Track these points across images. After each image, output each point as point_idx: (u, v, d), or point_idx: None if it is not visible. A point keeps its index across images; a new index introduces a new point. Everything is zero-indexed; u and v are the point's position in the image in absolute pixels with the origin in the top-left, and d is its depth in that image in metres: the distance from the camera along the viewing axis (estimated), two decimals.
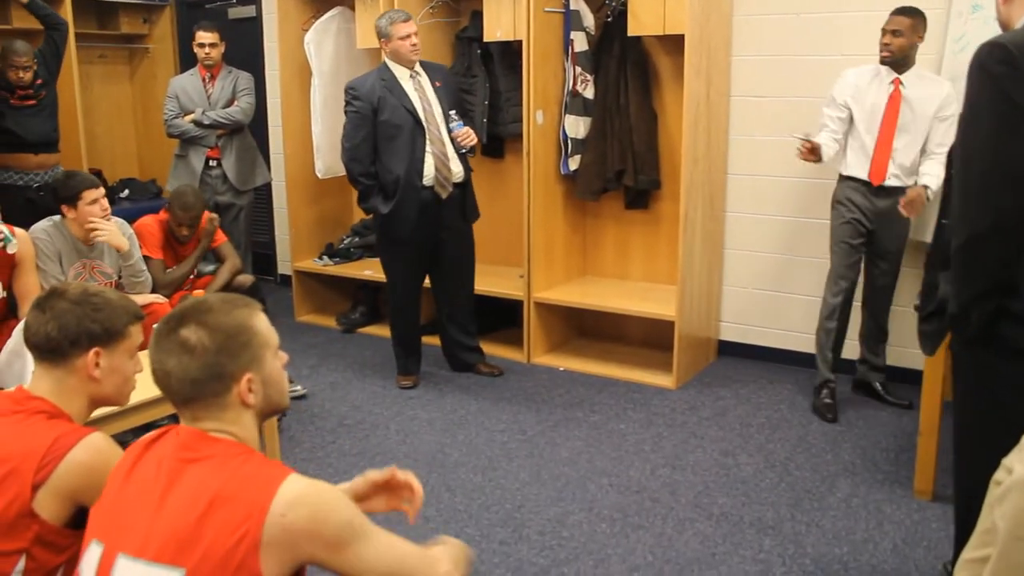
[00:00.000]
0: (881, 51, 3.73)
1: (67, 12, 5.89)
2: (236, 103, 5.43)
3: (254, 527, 1.40)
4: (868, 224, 3.89)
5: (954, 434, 2.25)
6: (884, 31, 3.72)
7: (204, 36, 5.40)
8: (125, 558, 1.45)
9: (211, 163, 5.46)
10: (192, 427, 1.55)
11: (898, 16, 3.70)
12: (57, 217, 3.87)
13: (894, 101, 3.77)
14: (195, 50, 5.44)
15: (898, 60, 3.73)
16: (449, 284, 4.58)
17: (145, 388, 3.03)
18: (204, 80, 5.46)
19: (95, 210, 3.81)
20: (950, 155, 2.20)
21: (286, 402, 1.67)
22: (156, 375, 1.55)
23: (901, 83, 3.76)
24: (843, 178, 3.92)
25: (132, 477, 1.54)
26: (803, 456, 3.69)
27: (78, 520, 1.72)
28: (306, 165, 5.62)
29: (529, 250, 4.76)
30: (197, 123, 5.35)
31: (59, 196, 3.81)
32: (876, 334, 4.14)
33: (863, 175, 3.85)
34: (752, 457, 3.69)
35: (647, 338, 4.95)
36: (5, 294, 3.50)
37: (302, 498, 1.44)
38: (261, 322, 1.60)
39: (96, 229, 3.79)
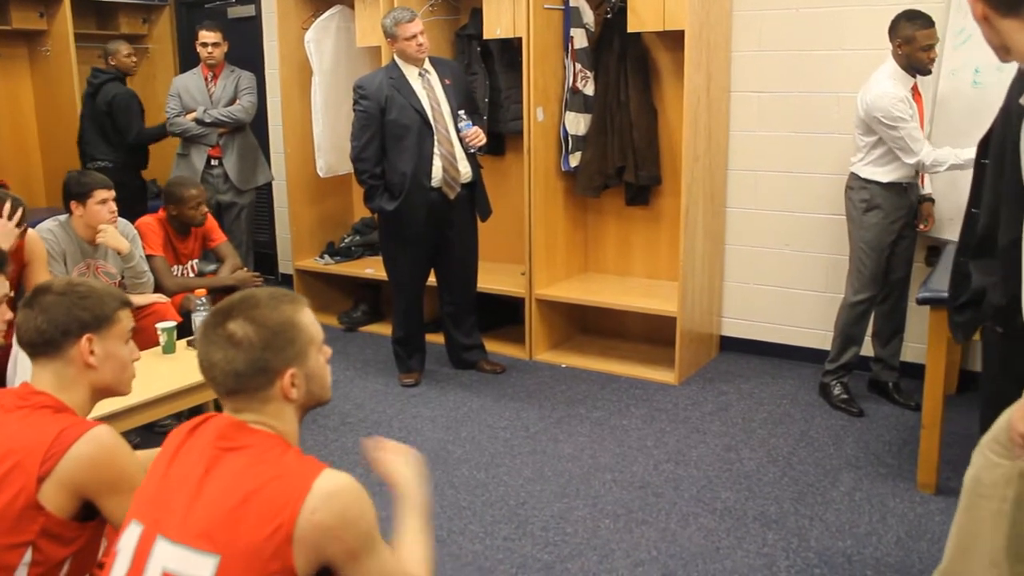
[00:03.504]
0: (928, 64, 3.68)
1: (66, 12, 5.92)
2: (238, 102, 5.43)
3: (288, 521, 1.43)
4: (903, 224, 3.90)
5: (982, 418, 2.25)
6: (931, 46, 3.66)
7: (207, 36, 5.40)
8: (163, 541, 1.48)
9: (212, 162, 5.46)
10: (232, 417, 1.58)
11: (933, 28, 3.66)
12: (63, 216, 3.88)
13: (920, 105, 3.78)
14: (198, 49, 5.43)
15: None
16: (452, 282, 4.58)
17: (151, 387, 3.08)
18: (207, 79, 5.46)
19: (103, 211, 3.83)
20: (983, 145, 2.20)
21: (328, 396, 1.69)
22: (201, 365, 1.58)
23: (918, 86, 3.77)
24: (882, 185, 3.80)
25: (175, 462, 1.57)
26: (806, 450, 3.69)
27: (84, 513, 1.74)
28: (307, 164, 5.62)
29: (530, 247, 4.76)
30: (199, 121, 5.35)
31: (71, 192, 3.82)
32: (892, 330, 4.12)
33: (908, 179, 3.81)
34: (755, 452, 3.69)
35: (649, 334, 4.95)
36: (14, 293, 3.51)
37: (333, 497, 1.47)
38: (306, 318, 1.62)
39: (98, 231, 3.80)
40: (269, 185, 6.28)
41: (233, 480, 1.48)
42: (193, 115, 5.37)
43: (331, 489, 1.47)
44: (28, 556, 1.68)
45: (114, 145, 5.62)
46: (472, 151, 4.32)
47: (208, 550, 1.43)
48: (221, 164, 5.46)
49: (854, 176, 3.91)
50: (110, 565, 1.54)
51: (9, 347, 3.14)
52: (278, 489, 1.46)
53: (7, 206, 3.44)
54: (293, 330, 1.58)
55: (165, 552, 1.47)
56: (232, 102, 5.43)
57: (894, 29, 3.68)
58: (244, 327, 1.54)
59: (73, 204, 3.81)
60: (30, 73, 6.33)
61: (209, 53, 5.40)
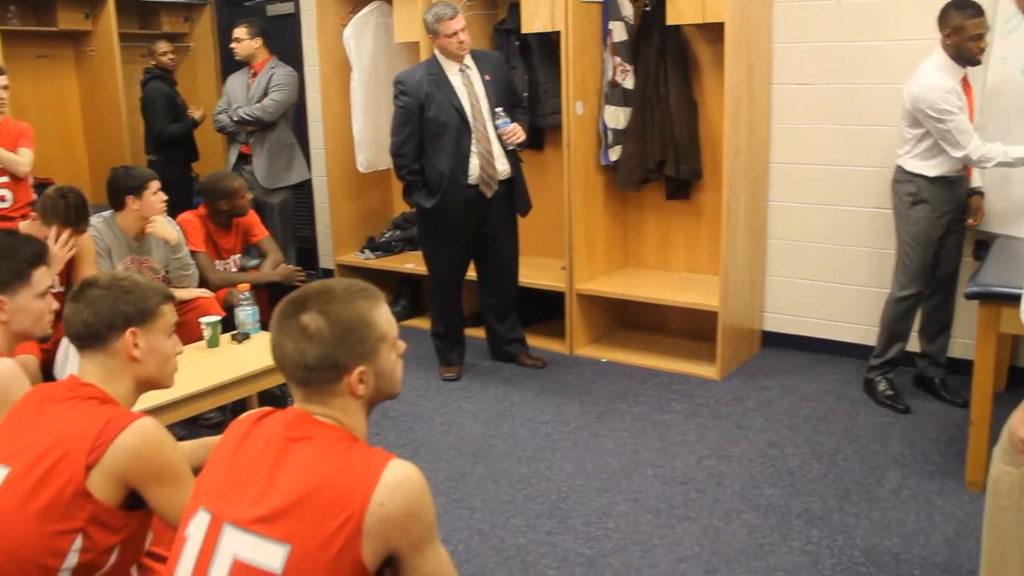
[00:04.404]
0: (977, 54, 3.61)
1: (110, 12, 6.00)
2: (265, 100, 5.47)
3: (357, 513, 1.45)
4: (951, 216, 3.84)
5: None
6: (980, 35, 3.59)
7: (234, 32, 5.49)
8: (232, 528, 1.50)
9: (245, 160, 5.52)
10: (300, 409, 1.60)
11: (983, 17, 3.59)
12: (107, 213, 3.94)
13: (970, 96, 3.71)
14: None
15: None
16: (493, 277, 4.58)
17: (196, 380, 3.12)
18: (249, 76, 5.52)
19: (157, 201, 3.92)
20: None
21: (397, 391, 1.69)
22: (273, 353, 1.61)
23: (968, 77, 3.70)
24: (929, 179, 3.74)
25: (241, 450, 1.60)
26: (851, 447, 3.65)
27: (131, 502, 1.78)
28: (347, 160, 5.65)
29: (570, 242, 4.75)
30: (231, 119, 5.45)
31: (126, 187, 3.89)
32: (940, 326, 4.05)
33: (956, 172, 3.75)
34: (799, 448, 3.66)
35: (690, 329, 4.92)
36: (64, 288, 3.58)
37: (401, 487, 1.48)
38: (381, 315, 1.62)
39: (149, 221, 3.89)
40: (309, 181, 6.33)
41: (303, 470, 1.50)
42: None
43: (398, 481, 1.48)
44: (78, 543, 1.72)
45: (154, 141, 5.76)
46: (511, 148, 4.32)
47: (279, 539, 1.45)
48: (251, 163, 5.51)
49: (900, 169, 3.85)
50: (178, 550, 1.57)
51: (55, 338, 3.22)
52: (347, 480, 1.48)
53: (64, 234, 3.55)
54: (366, 327, 1.58)
55: (235, 539, 1.49)
56: (264, 98, 5.47)
57: (943, 18, 3.62)
58: (317, 320, 1.55)
59: (130, 199, 3.88)
60: (76, 73, 6.43)
61: (233, 49, 5.47)
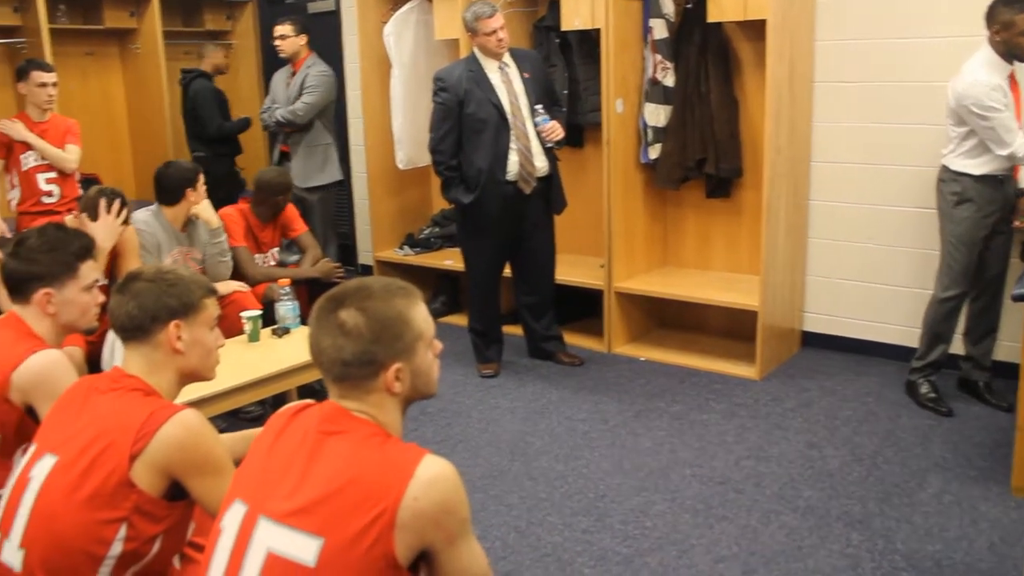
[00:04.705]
0: None
1: (155, 10, 6.09)
2: (298, 101, 5.50)
3: (391, 507, 1.46)
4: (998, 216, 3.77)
5: None
6: None
7: (275, 29, 5.55)
8: (267, 521, 1.52)
9: (286, 159, 5.58)
10: (336, 404, 1.61)
11: None
12: (153, 207, 4.01)
13: (1016, 94, 3.64)
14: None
15: None
16: (530, 273, 4.59)
17: (237, 374, 3.16)
18: (290, 74, 5.59)
19: (203, 190, 4.06)
20: None
21: (433, 390, 1.70)
22: (311, 349, 1.62)
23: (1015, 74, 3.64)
24: (975, 177, 3.68)
25: (278, 444, 1.62)
26: (892, 450, 3.60)
27: (174, 492, 1.81)
28: (387, 156, 5.68)
29: (609, 239, 4.74)
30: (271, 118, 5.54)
31: (185, 180, 4.00)
32: (985, 329, 3.99)
33: (1003, 172, 3.68)
34: (838, 450, 3.62)
35: (729, 329, 4.89)
36: (108, 282, 3.64)
37: (435, 483, 1.49)
38: (418, 313, 1.63)
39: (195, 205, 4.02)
40: (348, 177, 6.38)
41: (337, 464, 1.51)
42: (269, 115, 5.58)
43: (432, 476, 1.49)
44: (122, 531, 1.76)
45: (201, 138, 5.84)
46: (550, 145, 4.32)
47: (312, 531, 1.47)
48: (292, 161, 5.56)
49: (945, 168, 3.79)
50: (214, 541, 1.59)
51: (100, 331, 3.28)
52: (381, 475, 1.49)
53: (115, 205, 3.61)
54: (403, 325, 1.59)
55: (269, 532, 1.51)
56: (299, 98, 5.52)
57: (991, 15, 3.55)
58: (355, 317, 1.57)
59: (188, 191, 3.98)
60: (121, 70, 6.52)
61: (277, 47, 5.53)
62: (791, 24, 4.24)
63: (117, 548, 1.76)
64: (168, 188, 4.00)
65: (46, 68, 4.72)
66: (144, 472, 1.76)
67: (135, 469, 1.75)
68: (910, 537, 2.96)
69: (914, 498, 3.22)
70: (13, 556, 1.78)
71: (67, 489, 1.76)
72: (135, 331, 1.91)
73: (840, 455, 3.57)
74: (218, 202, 4.17)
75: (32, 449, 1.89)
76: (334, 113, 5.72)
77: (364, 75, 5.71)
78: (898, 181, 4.37)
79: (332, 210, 5.79)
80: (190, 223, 4.07)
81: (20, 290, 2.32)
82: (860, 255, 4.57)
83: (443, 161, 4.29)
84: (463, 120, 4.23)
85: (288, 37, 5.49)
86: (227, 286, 4.03)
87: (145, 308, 1.90)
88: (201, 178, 4.05)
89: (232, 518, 1.57)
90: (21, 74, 4.70)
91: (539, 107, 4.25)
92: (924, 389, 3.99)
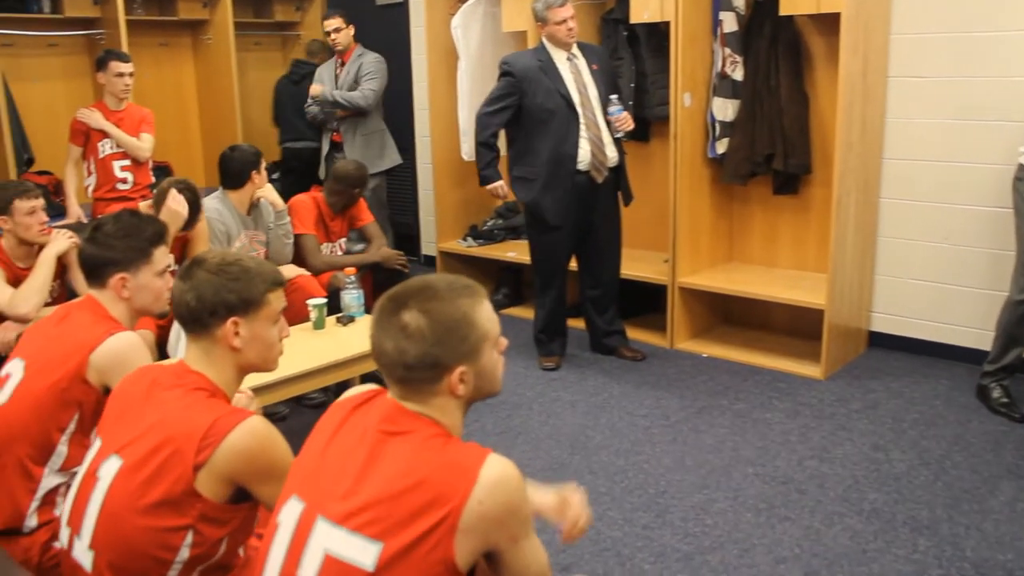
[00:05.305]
0: None
1: (226, 2, 6.20)
2: (360, 88, 5.54)
3: (454, 511, 1.43)
4: None
5: None
6: None
7: (327, 23, 5.63)
8: (325, 522, 1.49)
9: (337, 148, 5.63)
10: (397, 401, 1.58)
11: None
12: (218, 192, 4.10)
13: None
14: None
15: None
16: (595, 267, 4.57)
17: (300, 361, 3.21)
18: (337, 65, 5.65)
19: (266, 173, 4.16)
20: None
21: (497, 389, 1.66)
22: (373, 351, 1.58)
23: None
24: None
25: (336, 439, 1.59)
26: (961, 455, 3.52)
27: (238, 496, 1.79)
28: (452, 148, 5.72)
29: (674, 234, 4.70)
30: (323, 98, 5.53)
31: (251, 163, 4.09)
32: None
33: None
34: (905, 453, 3.55)
35: (794, 327, 4.82)
36: (177, 267, 3.72)
37: (499, 485, 1.46)
38: (483, 312, 1.58)
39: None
40: (413, 167, 6.43)
41: (398, 467, 1.48)
42: (317, 90, 5.58)
43: (496, 479, 1.46)
44: (189, 538, 1.75)
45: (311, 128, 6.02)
46: (618, 135, 4.30)
47: (372, 536, 1.44)
48: (343, 150, 5.60)
49: (1022, 167, 3.69)
50: (270, 535, 1.58)
51: (171, 315, 3.35)
52: (444, 478, 1.46)
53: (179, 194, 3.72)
54: (467, 327, 1.54)
55: (327, 534, 1.48)
56: (355, 86, 5.56)
57: None
58: (418, 319, 1.52)
59: (254, 173, 4.08)
60: (193, 60, 6.65)
61: (332, 40, 5.59)
62: (865, 17, 4.16)
63: (184, 553, 1.75)
64: (233, 172, 4.08)
65: (124, 58, 4.84)
66: (209, 481, 1.74)
67: (200, 479, 1.73)
68: (980, 545, 2.89)
69: (984, 505, 3.14)
70: (84, 556, 1.78)
71: (133, 495, 1.74)
72: (193, 323, 1.89)
73: (907, 458, 3.50)
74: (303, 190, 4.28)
75: (97, 444, 1.88)
76: (384, 101, 5.78)
77: (431, 67, 5.75)
78: (973, 179, 4.25)
79: (384, 197, 5.84)
80: (254, 206, 4.15)
81: (97, 274, 2.37)
82: (932, 254, 4.46)
83: (487, 129, 4.30)
84: (531, 111, 4.23)
85: (342, 29, 5.57)
86: (291, 269, 4.10)
87: (204, 300, 1.86)
88: (263, 161, 4.12)
89: (289, 514, 1.55)
90: (100, 64, 4.83)
91: (614, 97, 4.25)
92: (996, 393, 3.89)
